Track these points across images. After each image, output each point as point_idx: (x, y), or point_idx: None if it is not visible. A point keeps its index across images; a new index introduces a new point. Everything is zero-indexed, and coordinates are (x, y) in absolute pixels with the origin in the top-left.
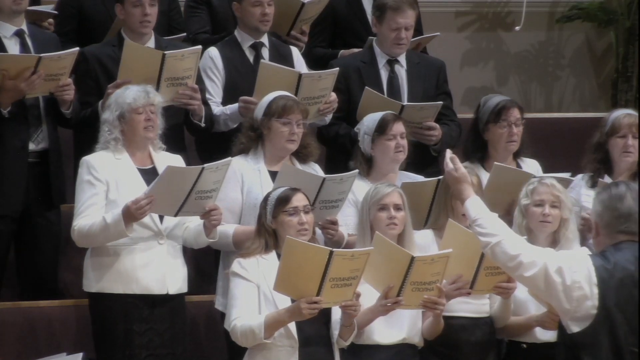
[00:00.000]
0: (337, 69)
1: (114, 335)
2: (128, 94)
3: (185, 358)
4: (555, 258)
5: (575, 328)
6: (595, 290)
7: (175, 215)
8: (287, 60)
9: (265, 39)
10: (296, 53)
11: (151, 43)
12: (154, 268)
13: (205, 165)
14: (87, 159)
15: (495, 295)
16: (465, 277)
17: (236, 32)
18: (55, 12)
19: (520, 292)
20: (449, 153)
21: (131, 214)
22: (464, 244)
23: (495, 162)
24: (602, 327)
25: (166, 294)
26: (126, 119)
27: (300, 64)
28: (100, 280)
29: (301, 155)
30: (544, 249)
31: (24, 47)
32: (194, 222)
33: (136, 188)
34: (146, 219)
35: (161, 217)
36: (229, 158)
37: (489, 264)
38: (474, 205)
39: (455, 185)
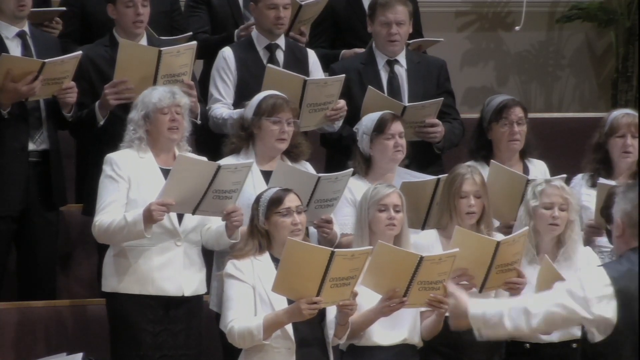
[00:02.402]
0: (343, 75)
1: (128, 335)
2: (154, 94)
3: (198, 359)
4: (564, 288)
5: (598, 337)
6: (614, 302)
7: (194, 213)
8: (303, 63)
9: (281, 41)
10: (312, 55)
11: (143, 42)
12: (171, 270)
13: (222, 164)
14: (111, 156)
15: (501, 295)
16: (477, 277)
17: (253, 33)
18: (63, 8)
19: (526, 293)
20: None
21: (150, 215)
22: (473, 248)
23: (492, 161)
24: (623, 337)
25: (182, 295)
26: (151, 118)
27: (315, 66)
28: (117, 280)
29: (292, 154)
30: (548, 292)
31: (25, 48)
32: (215, 224)
33: (157, 188)
34: (165, 221)
35: (180, 219)
36: (251, 160)
37: (500, 262)
38: (476, 310)
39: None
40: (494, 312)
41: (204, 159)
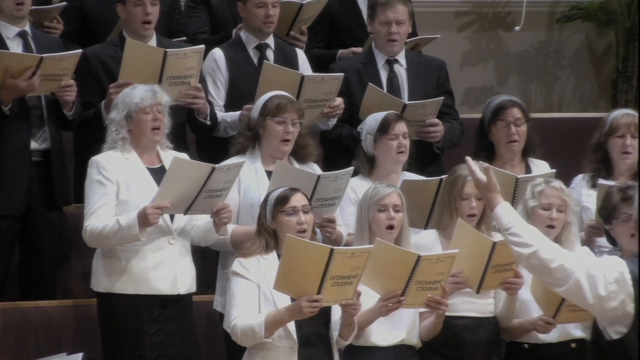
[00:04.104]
0: (342, 74)
1: (124, 336)
2: (135, 94)
3: (194, 357)
4: (588, 268)
5: (614, 335)
6: (631, 299)
7: (185, 213)
8: (292, 62)
9: (270, 40)
10: (301, 55)
11: (153, 43)
12: (165, 268)
13: (217, 165)
14: (97, 158)
15: (500, 295)
16: (474, 276)
17: (242, 33)
18: (63, 3)
19: (523, 292)
20: (479, 164)
21: (145, 218)
22: (472, 244)
23: (480, 162)
24: (636, 333)
25: (177, 294)
26: (133, 118)
27: (305, 66)
28: (110, 280)
29: (299, 155)
30: (578, 256)
31: (26, 48)
32: (202, 220)
33: (146, 188)
34: None
35: (172, 217)
36: (243, 159)
37: (496, 262)
38: (505, 212)
39: (484, 193)
40: (520, 240)
41: (186, 155)
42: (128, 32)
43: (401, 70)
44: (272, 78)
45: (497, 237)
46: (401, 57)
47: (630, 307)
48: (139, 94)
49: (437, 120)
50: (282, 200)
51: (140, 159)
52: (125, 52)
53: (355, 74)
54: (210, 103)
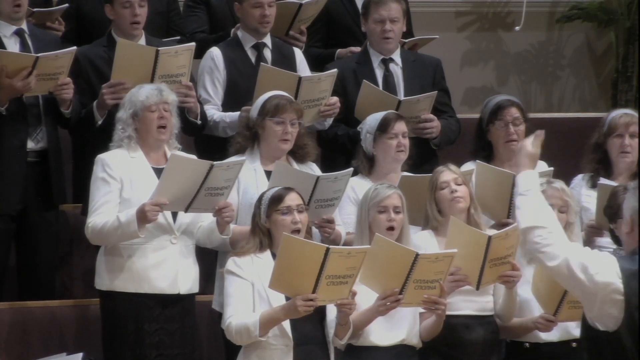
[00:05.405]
0: (335, 70)
1: (125, 335)
2: (142, 92)
3: (195, 358)
4: (580, 255)
5: (600, 327)
6: (620, 296)
7: (186, 211)
8: (290, 61)
9: (267, 40)
10: (299, 54)
11: (142, 42)
12: (166, 268)
13: (215, 163)
14: (102, 156)
15: (499, 292)
16: (473, 273)
17: (239, 32)
18: (65, 5)
19: (524, 291)
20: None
21: (144, 215)
22: (468, 240)
23: (477, 161)
24: (626, 330)
25: (177, 294)
26: (139, 117)
27: (303, 65)
28: (112, 278)
29: (298, 155)
30: (572, 243)
31: (24, 46)
32: (206, 221)
33: (150, 187)
34: (159, 218)
35: (174, 216)
36: (243, 157)
37: (493, 256)
38: (526, 179)
39: (521, 157)
40: (524, 212)
41: (194, 156)
42: (117, 32)
43: (397, 69)
44: (270, 80)
45: (491, 231)
46: (396, 56)
47: (617, 307)
48: (145, 93)
49: (432, 116)
50: (277, 199)
51: (147, 158)
52: (117, 51)
53: (351, 73)
54: (199, 102)
